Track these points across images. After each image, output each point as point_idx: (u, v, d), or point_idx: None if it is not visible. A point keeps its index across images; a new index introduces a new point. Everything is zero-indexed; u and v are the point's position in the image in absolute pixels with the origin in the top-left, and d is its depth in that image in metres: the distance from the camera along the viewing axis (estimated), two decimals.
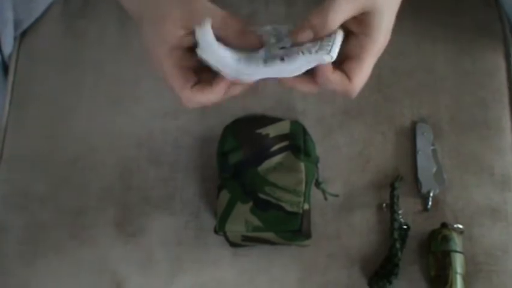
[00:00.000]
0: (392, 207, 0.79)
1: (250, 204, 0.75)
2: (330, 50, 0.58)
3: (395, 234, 0.77)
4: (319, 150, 0.81)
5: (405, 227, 0.79)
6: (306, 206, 0.76)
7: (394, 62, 0.86)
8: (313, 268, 0.79)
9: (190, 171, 0.83)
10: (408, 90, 0.86)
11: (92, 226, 0.82)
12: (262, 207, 0.75)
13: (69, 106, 0.88)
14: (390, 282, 0.76)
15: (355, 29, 0.60)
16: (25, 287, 0.80)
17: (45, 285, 0.80)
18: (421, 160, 0.82)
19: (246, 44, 0.60)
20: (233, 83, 0.61)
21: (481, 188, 0.81)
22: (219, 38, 0.59)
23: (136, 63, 0.87)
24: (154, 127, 0.86)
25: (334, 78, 0.59)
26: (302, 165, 0.77)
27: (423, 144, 0.83)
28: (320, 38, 0.59)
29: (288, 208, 0.74)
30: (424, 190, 0.80)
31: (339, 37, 0.59)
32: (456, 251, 0.76)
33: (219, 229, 0.75)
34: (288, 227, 0.74)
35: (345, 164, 0.83)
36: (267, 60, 0.59)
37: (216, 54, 0.58)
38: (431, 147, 0.83)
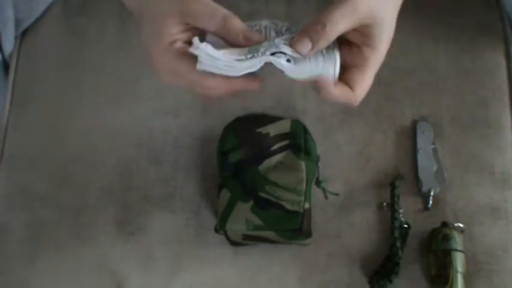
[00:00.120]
0: (392, 206, 0.79)
1: (251, 203, 0.75)
2: (335, 70, 0.59)
3: (396, 233, 0.77)
4: (320, 149, 0.81)
5: (406, 225, 0.79)
6: (307, 205, 0.76)
7: (395, 61, 0.86)
8: (313, 267, 0.79)
9: (191, 170, 0.83)
10: (409, 89, 0.86)
11: (92, 225, 0.82)
12: (262, 206, 0.75)
13: (70, 105, 0.88)
14: (391, 281, 0.76)
15: (357, 40, 0.60)
16: (25, 286, 0.80)
17: (45, 284, 0.80)
18: (422, 159, 0.82)
19: (248, 43, 0.60)
20: None
21: (482, 186, 0.81)
22: (219, 38, 0.60)
23: (137, 62, 0.87)
24: (154, 126, 0.86)
25: (336, 92, 0.60)
26: (303, 164, 0.77)
27: (424, 143, 0.83)
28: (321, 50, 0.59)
29: (289, 207, 0.74)
30: (424, 189, 0.80)
31: (338, 53, 0.60)
32: (457, 250, 0.76)
33: (220, 228, 0.75)
34: (289, 226, 0.74)
35: (345, 163, 0.83)
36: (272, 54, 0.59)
37: (217, 64, 0.58)
38: (432, 146, 0.83)
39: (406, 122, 0.84)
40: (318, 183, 0.79)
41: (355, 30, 0.59)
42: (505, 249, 0.78)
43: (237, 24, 0.60)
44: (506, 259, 0.78)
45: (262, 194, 0.75)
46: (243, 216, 0.75)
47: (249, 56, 0.59)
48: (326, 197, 0.79)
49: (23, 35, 0.92)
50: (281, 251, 0.79)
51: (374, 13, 0.58)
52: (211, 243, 0.80)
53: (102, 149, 0.85)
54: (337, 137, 0.84)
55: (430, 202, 0.80)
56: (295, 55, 0.59)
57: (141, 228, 0.81)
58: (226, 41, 0.60)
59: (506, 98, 0.85)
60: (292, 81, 0.61)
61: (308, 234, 0.76)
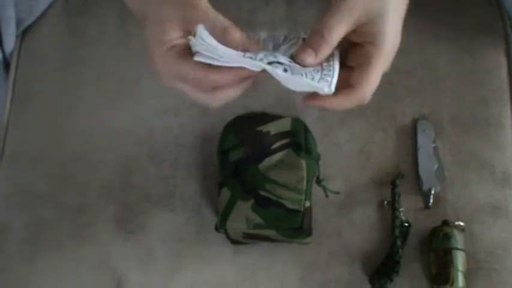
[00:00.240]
0: (393, 204, 0.79)
1: (251, 201, 0.75)
2: (331, 83, 0.58)
3: (397, 232, 0.77)
4: (320, 147, 0.80)
5: (406, 224, 0.79)
6: (307, 204, 0.75)
7: (396, 61, 0.86)
8: (314, 265, 0.79)
9: (191, 169, 0.83)
10: (410, 88, 0.86)
11: (92, 224, 0.82)
12: (263, 204, 0.75)
13: (70, 104, 0.88)
14: (391, 280, 0.75)
15: (359, 40, 0.61)
16: (25, 285, 0.80)
17: (45, 282, 0.80)
18: (422, 157, 0.82)
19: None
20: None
21: (482, 185, 0.81)
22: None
23: (137, 61, 0.87)
24: (154, 125, 0.86)
25: (334, 102, 0.60)
26: (303, 163, 0.77)
27: (424, 141, 0.83)
28: (321, 63, 0.60)
29: (289, 205, 0.74)
30: (425, 187, 0.80)
31: (337, 66, 0.60)
32: (457, 249, 0.76)
33: (220, 227, 0.75)
34: (289, 225, 0.74)
35: (346, 161, 0.83)
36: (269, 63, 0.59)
37: (216, 52, 0.58)
38: (433, 145, 0.82)
39: (406, 120, 0.84)
40: (319, 181, 0.79)
41: (355, 31, 0.60)
42: (505, 248, 0.78)
43: (236, 36, 0.60)
44: (506, 258, 0.78)
45: (263, 193, 0.75)
46: (243, 214, 0.75)
47: (247, 55, 0.59)
48: (327, 196, 0.79)
49: (23, 34, 0.92)
50: (281, 250, 0.79)
51: (368, 11, 0.59)
52: (211, 241, 0.80)
53: (102, 148, 0.85)
54: (337, 136, 0.84)
55: (431, 201, 0.80)
56: (293, 65, 0.59)
57: (141, 226, 0.81)
58: None
59: (507, 96, 0.85)
60: None
61: (308, 233, 0.76)
